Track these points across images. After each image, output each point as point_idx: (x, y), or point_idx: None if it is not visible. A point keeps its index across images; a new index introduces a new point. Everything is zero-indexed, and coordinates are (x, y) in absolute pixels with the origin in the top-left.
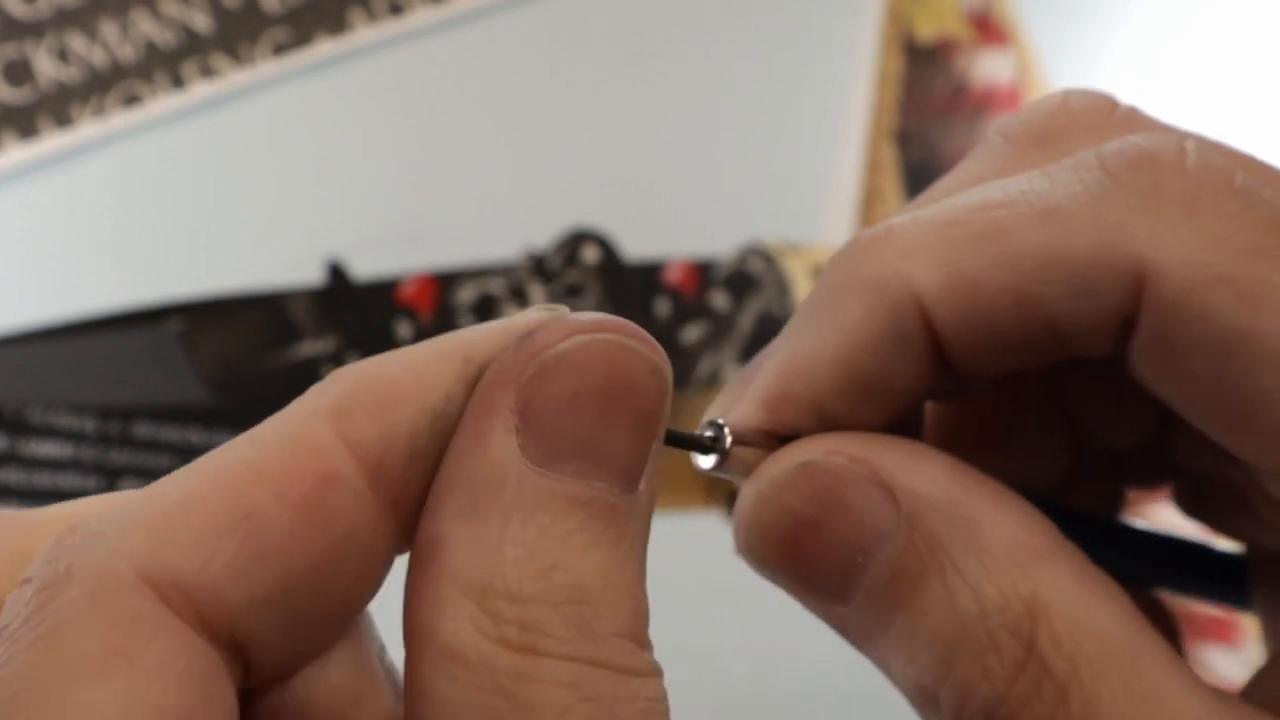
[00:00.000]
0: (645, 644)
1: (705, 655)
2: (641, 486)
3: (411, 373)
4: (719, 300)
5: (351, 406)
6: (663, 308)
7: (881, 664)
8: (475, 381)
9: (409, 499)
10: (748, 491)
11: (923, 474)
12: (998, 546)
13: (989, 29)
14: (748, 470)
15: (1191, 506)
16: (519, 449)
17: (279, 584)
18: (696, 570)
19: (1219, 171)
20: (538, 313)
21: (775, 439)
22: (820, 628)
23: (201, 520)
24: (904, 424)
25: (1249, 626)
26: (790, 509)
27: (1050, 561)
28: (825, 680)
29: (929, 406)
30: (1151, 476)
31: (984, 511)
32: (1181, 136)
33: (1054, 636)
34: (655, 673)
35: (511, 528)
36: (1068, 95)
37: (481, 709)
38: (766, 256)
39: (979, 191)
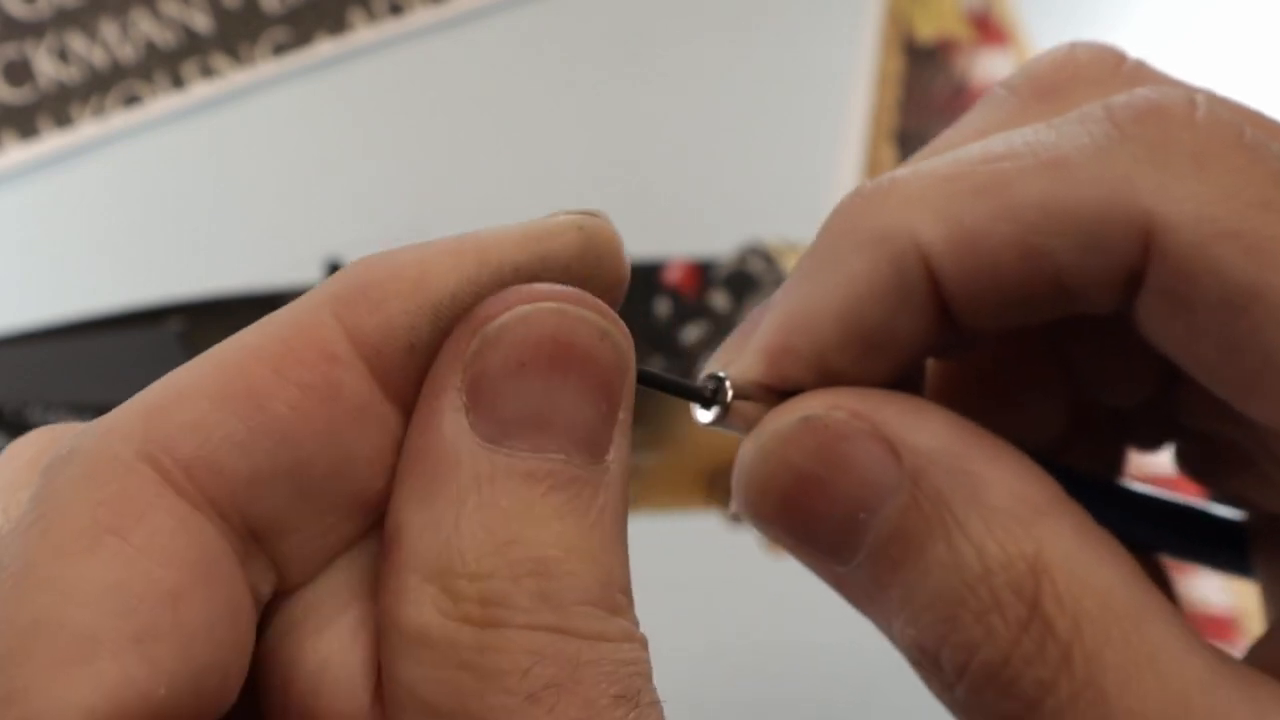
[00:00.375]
0: (618, 609)
1: (706, 653)
2: (610, 457)
3: (418, 268)
4: (719, 300)
5: (354, 296)
6: (663, 308)
7: (882, 624)
8: (488, 283)
9: (412, 393)
10: (749, 446)
11: (925, 429)
12: (1001, 503)
13: (989, 29)
14: (748, 425)
15: (1194, 467)
16: (469, 427)
17: (286, 461)
18: (697, 569)
19: (1228, 125)
20: (565, 215)
21: (776, 393)
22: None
23: (202, 397)
24: (905, 380)
25: (1247, 627)
26: (792, 464)
27: (1053, 518)
28: (826, 677)
29: (930, 363)
30: (1153, 436)
31: (986, 467)
32: (1190, 90)
33: (1057, 595)
34: (629, 638)
35: (468, 507)
36: (1074, 47)
37: (446, 684)
38: (766, 256)
39: (982, 144)
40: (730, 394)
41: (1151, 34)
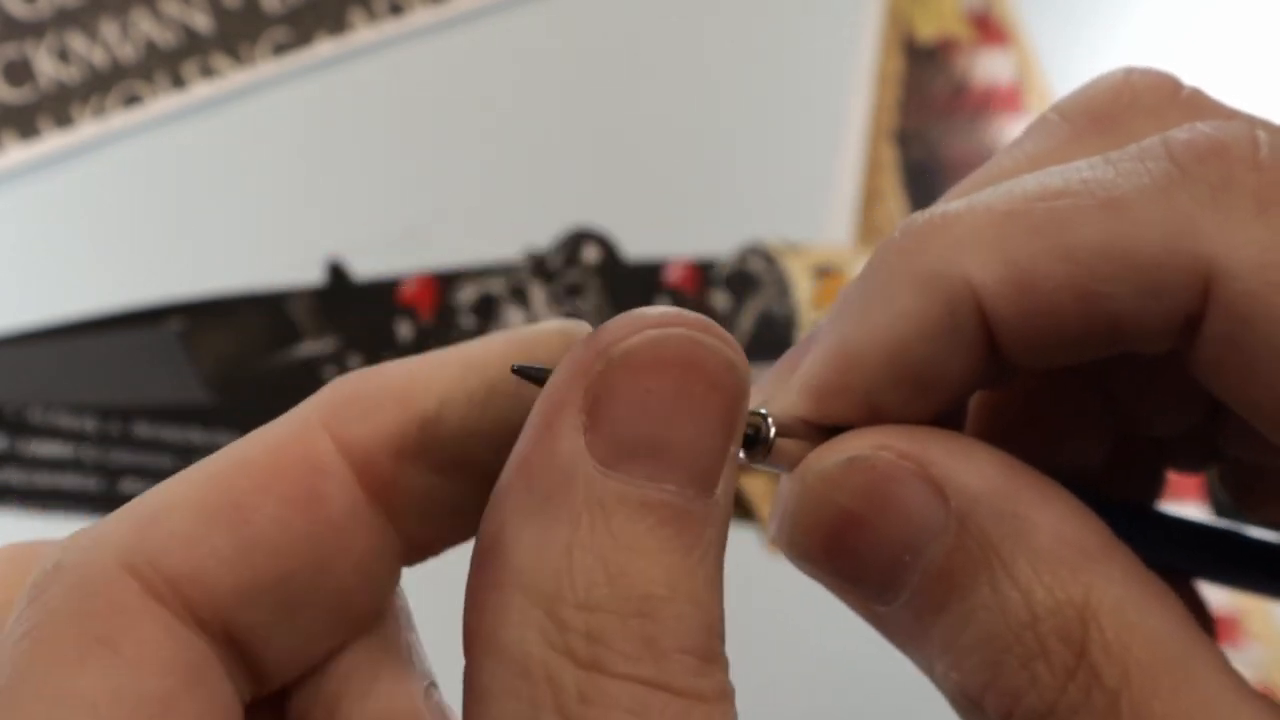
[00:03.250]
0: (714, 659)
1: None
2: (718, 491)
3: (405, 379)
4: (719, 300)
5: (342, 408)
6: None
7: (923, 665)
8: (477, 388)
9: (402, 503)
10: (793, 485)
11: (973, 470)
12: (1049, 546)
13: (989, 29)
14: (791, 463)
15: (1236, 491)
16: (586, 448)
17: (270, 574)
18: None
19: None
20: (549, 323)
21: (818, 430)
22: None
23: (187, 511)
24: (948, 412)
25: (1249, 626)
26: (837, 504)
27: (1102, 563)
28: (827, 677)
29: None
30: (1195, 460)
31: (1034, 510)
32: (1252, 124)
33: (1105, 643)
34: (721, 697)
35: (580, 531)
36: (1130, 73)
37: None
38: (766, 256)
39: (1037, 178)
40: (773, 431)
41: (1151, 34)
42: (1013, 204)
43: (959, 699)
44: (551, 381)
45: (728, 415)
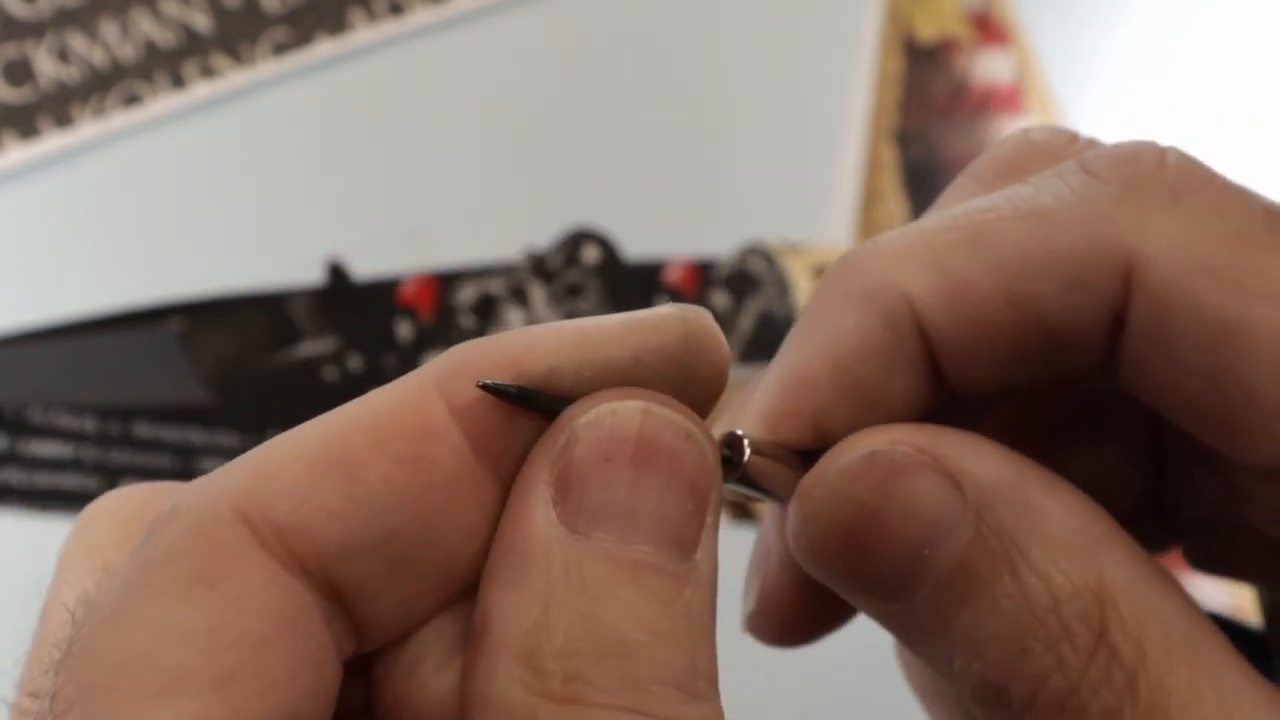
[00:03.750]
0: (700, 696)
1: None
2: (698, 556)
3: (519, 347)
4: (719, 300)
5: (456, 371)
6: None
7: (939, 659)
8: (588, 362)
9: (509, 464)
10: (811, 485)
11: (984, 462)
12: (1061, 534)
13: (989, 29)
14: (770, 485)
15: (1203, 560)
16: (558, 519)
17: (377, 530)
18: None
19: (1198, 167)
20: (668, 308)
21: (796, 453)
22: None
23: (301, 464)
24: None
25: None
26: (856, 499)
27: (1111, 548)
28: (827, 676)
29: None
30: (1159, 538)
31: (1045, 499)
32: (1156, 142)
33: (1121, 623)
34: None
35: (557, 593)
36: (1028, 131)
37: None
38: (766, 256)
39: (964, 204)
40: (748, 452)
41: (1151, 34)
42: (941, 223)
43: (980, 690)
44: (526, 462)
45: (692, 481)
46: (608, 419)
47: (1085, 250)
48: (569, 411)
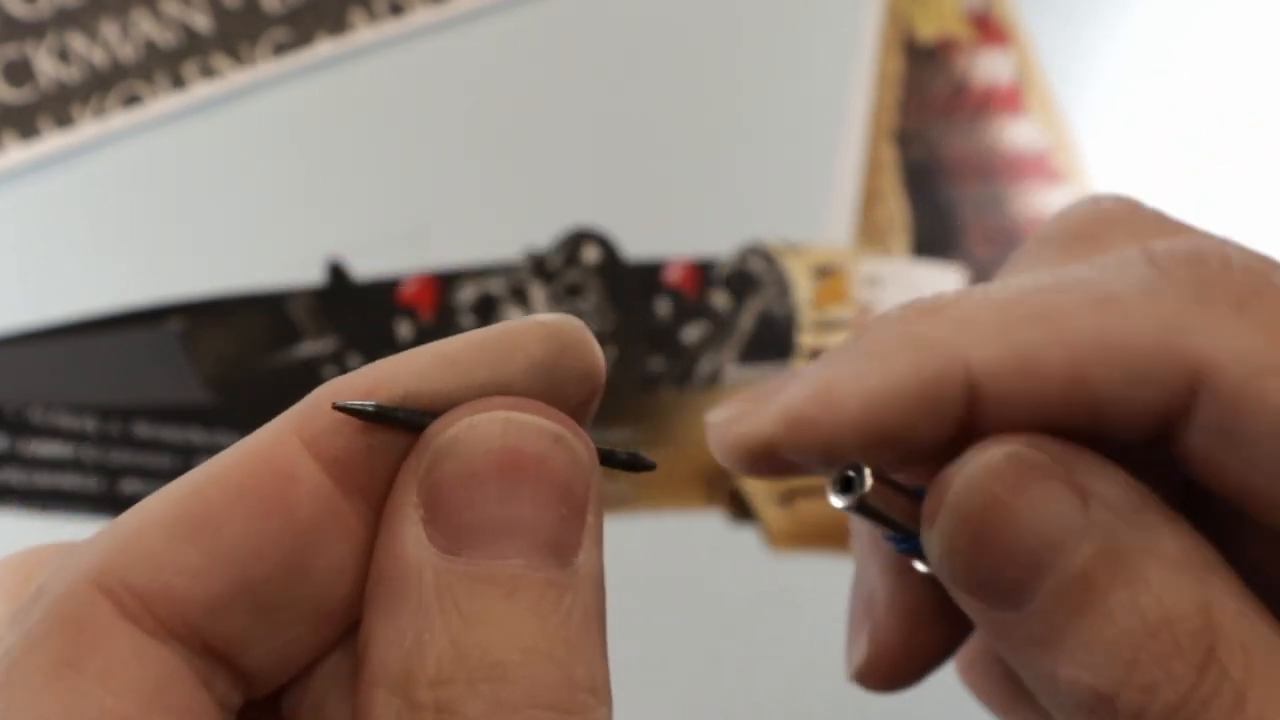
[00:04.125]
0: (578, 709)
1: (705, 652)
2: (579, 559)
3: (372, 373)
4: (719, 300)
5: (310, 409)
6: (663, 308)
7: (1043, 671)
8: (445, 378)
9: (379, 492)
10: (952, 475)
11: (1110, 481)
12: (1175, 556)
13: (989, 29)
14: (892, 512)
15: None
16: (428, 540)
17: (242, 582)
18: (697, 569)
19: (1260, 272)
20: (533, 317)
21: (910, 487)
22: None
23: (160, 528)
24: None
25: None
26: (992, 492)
27: (1219, 574)
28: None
29: None
30: None
31: (1161, 523)
32: (1218, 238)
33: (1229, 643)
34: None
35: (430, 617)
36: (1098, 199)
37: None
38: (766, 256)
39: (1030, 275)
40: (869, 482)
41: (1151, 34)
42: (1008, 294)
43: (1087, 700)
44: (394, 484)
45: (564, 486)
46: (469, 433)
47: (1153, 349)
48: (432, 428)
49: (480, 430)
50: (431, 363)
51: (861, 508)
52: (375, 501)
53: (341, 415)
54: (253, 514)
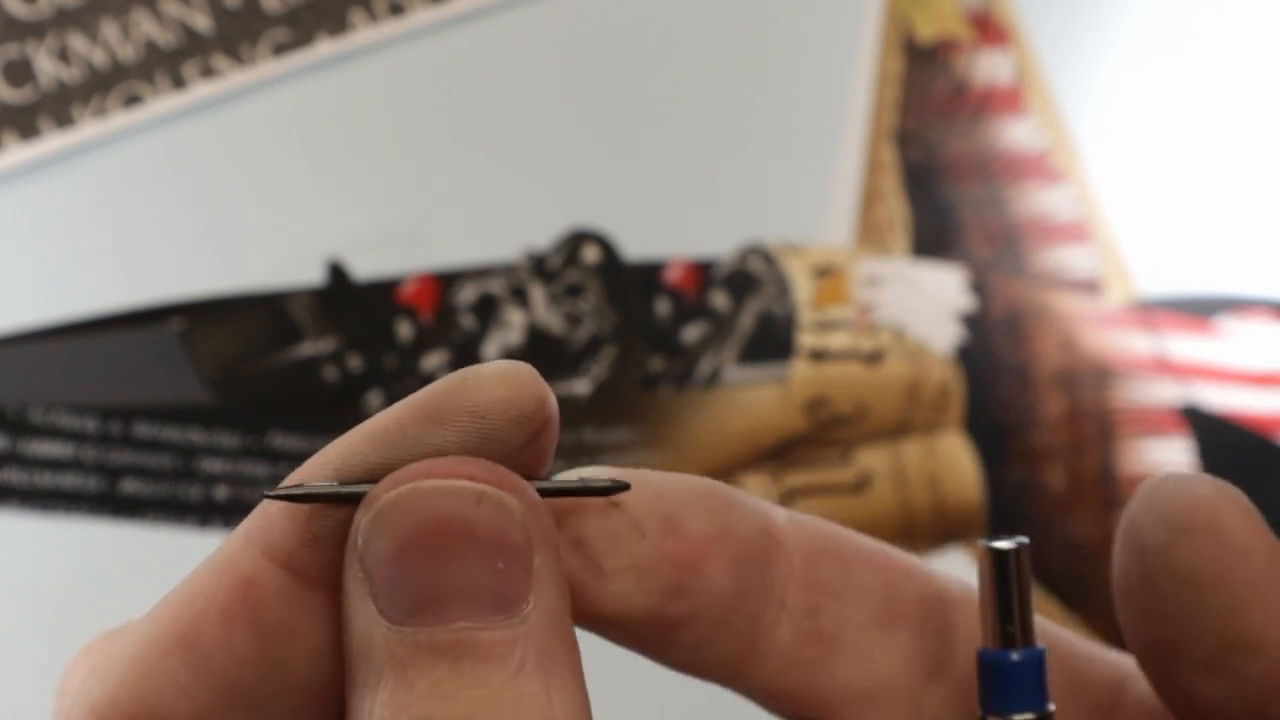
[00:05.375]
0: None
1: None
2: (528, 606)
3: (307, 466)
4: (719, 300)
5: (259, 514)
6: (663, 308)
7: None
8: (373, 451)
9: (336, 575)
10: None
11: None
12: None
13: (989, 29)
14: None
15: None
16: (378, 612)
17: (228, 689)
18: None
19: None
20: (454, 374)
21: None
22: None
23: (145, 649)
24: None
25: None
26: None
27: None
28: None
29: None
30: None
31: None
32: None
33: None
34: None
35: (383, 691)
36: None
37: None
38: (766, 256)
39: None
40: None
41: (1152, 34)
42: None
43: None
44: (344, 564)
45: (497, 542)
46: (390, 509)
47: None
48: (364, 502)
49: (401, 505)
50: (361, 438)
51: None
52: (335, 585)
53: (282, 513)
54: (224, 624)
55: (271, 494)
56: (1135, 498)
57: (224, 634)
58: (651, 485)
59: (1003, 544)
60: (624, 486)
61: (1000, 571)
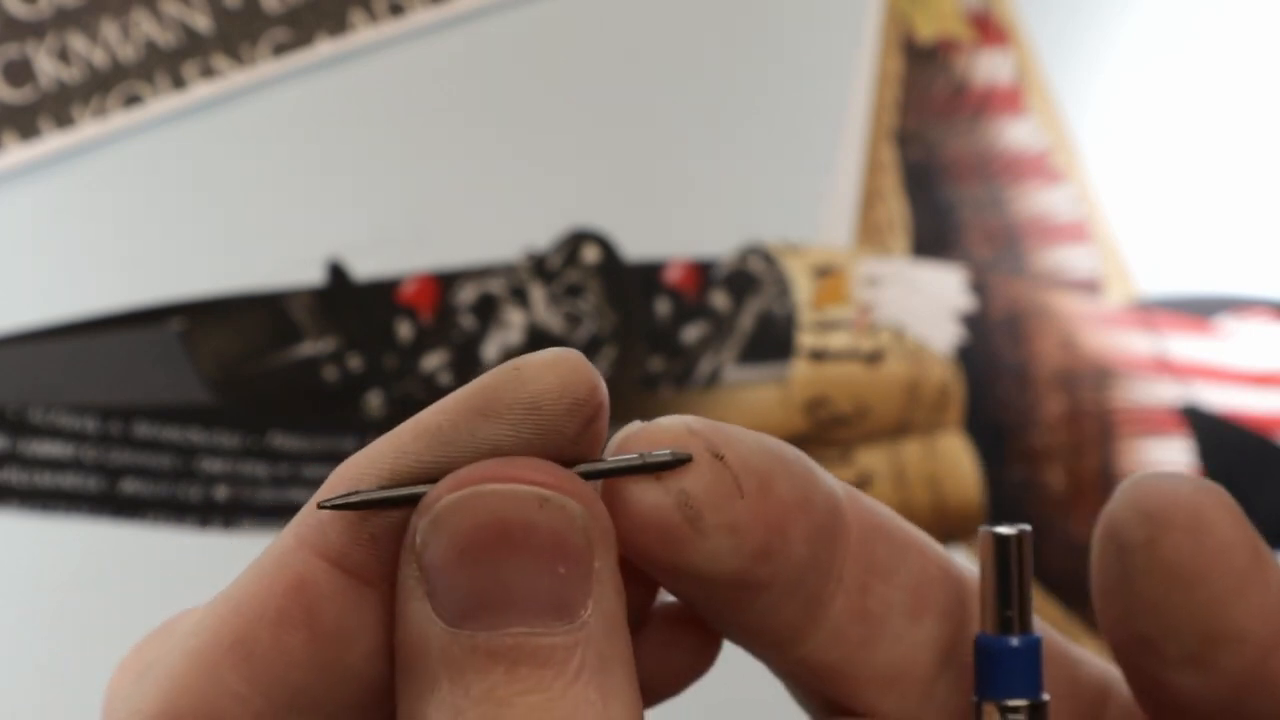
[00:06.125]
0: None
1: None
2: (587, 613)
3: (356, 464)
4: (719, 300)
5: (310, 518)
6: (663, 308)
7: None
8: (427, 450)
9: (392, 573)
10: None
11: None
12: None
13: (989, 29)
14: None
15: None
16: (434, 614)
17: (283, 694)
18: None
19: None
20: (507, 364)
21: None
22: None
23: (203, 661)
24: None
25: None
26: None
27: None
28: None
29: None
30: None
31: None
32: None
33: None
34: None
35: (437, 694)
36: None
37: None
38: (766, 256)
39: None
40: None
41: (1152, 34)
42: None
43: None
44: (398, 564)
45: (558, 547)
46: (450, 513)
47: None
48: (421, 505)
49: (462, 508)
50: (412, 436)
51: None
52: (393, 582)
53: (335, 513)
54: (278, 629)
55: (327, 504)
56: (1115, 496)
57: (278, 639)
58: (746, 444)
59: (1005, 530)
60: (685, 459)
61: (1002, 557)
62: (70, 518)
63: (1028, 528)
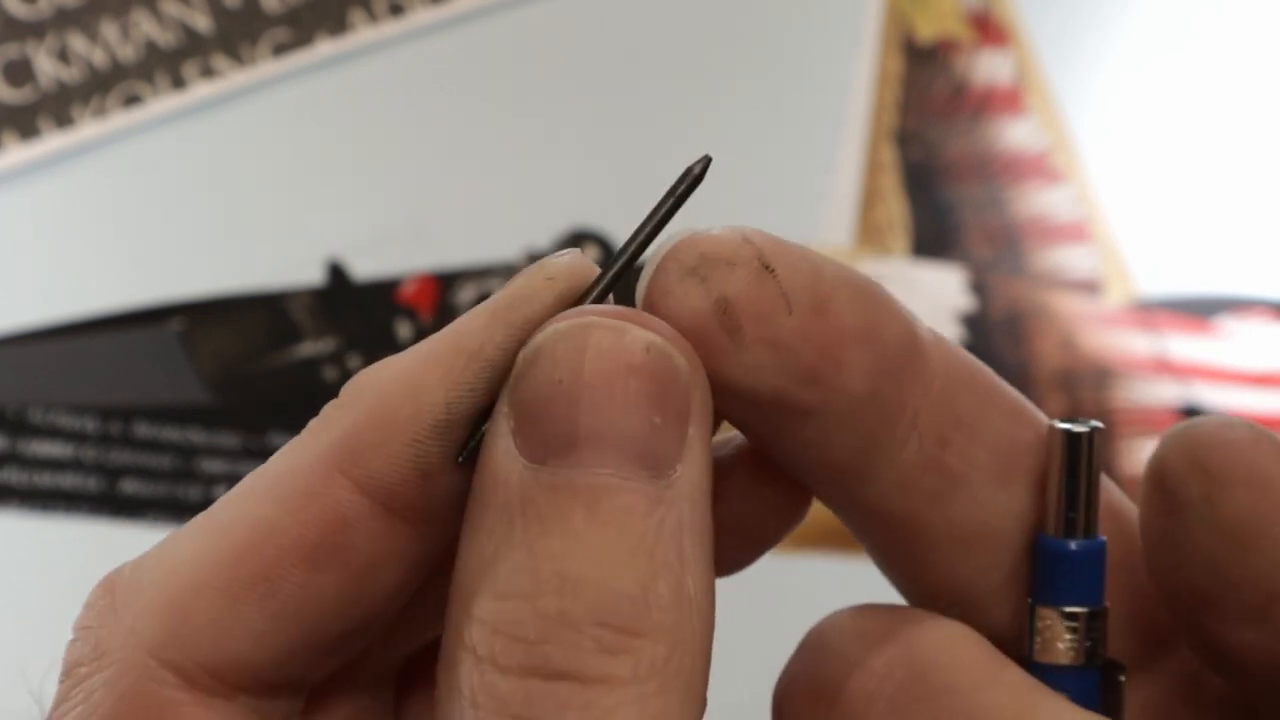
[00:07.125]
0: (640, 634)
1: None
2: (677, 473)
3: (408, 389)
4: None
5: (354, 444)
6: None
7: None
8: (477, 375)
9: (441, 511)
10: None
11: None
12: None
13: (989, 29)
14: None
15: None
16: (517, 450)
17: (304, 633)
18: None
19: None
20: (523, 278)
21: None
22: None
23: (218, 593)
24: None
25: None
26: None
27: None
28: None
29: None
30: None
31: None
32: None
33: None
34: (636, 679)
35: (512, 527)
36: None
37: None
38: None
39: None
40: None
41: (1152, 34)
42: None
43: None
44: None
45: (659, 393)
46: (553, 341)
47: None
48: (529, 339)
49: (568, 337)
50: (461, 363)
51: None
52: (432, 519)
53: (388, 448)
54: (310, 568)
55: (464, 458)
56: (1165, 440)
57: (309, 577)
58: (810, 263)
59: (1075, 425)
60: (707, 160)
61: (1071, 455)
62: (70, 518)
63: (1100, 424)
